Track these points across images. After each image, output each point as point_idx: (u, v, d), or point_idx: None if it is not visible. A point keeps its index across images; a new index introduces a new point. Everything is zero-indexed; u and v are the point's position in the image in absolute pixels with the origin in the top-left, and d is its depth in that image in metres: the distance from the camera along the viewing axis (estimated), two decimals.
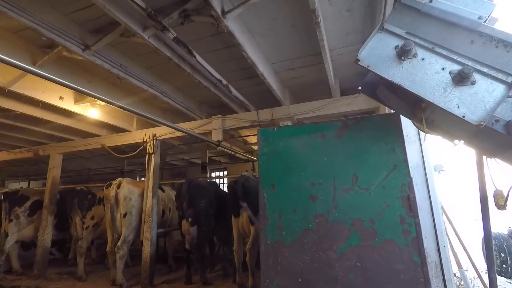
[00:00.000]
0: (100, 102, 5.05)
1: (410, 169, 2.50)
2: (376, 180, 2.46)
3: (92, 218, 6.16)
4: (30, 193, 6.84)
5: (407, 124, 2.59)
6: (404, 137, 2.58)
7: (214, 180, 8.88)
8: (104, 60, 3.93)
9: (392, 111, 2.78)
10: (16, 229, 6.25)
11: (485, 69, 1.82)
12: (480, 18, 1.88)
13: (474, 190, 2.32)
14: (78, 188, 6.91)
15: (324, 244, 2.46)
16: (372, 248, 2.34)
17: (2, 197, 6.77)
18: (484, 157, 2.12)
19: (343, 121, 2.70)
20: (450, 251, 4.00)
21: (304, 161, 2.71)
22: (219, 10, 2.87)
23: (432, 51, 1.99)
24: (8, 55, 2.34)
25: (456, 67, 1.88)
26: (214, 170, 12.24)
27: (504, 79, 1.75)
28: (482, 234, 2.47)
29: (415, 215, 2.31)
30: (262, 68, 4.15)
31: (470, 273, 5.24)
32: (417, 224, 2.29)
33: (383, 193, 2.42)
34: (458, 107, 1.79)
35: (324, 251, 2.45)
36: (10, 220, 6.23)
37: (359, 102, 4.82)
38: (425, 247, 2.36)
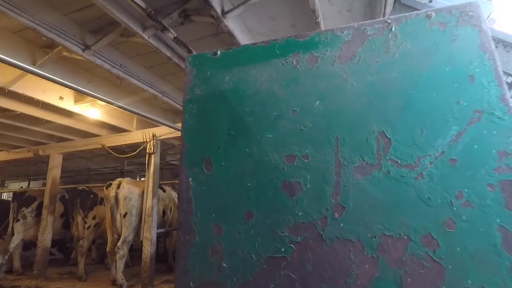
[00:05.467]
0: (100, 102, 5.05)
1: None
2: (435, 146, 1.05)
3: (94, 218, 6.17)
4: (37, 194, 6.89)
5: None
6: None
7: None
8: (104, 60, 3.92)
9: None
10: (22, 229, 6.33)
11: None
12: None
13: None
14: (80, 188, 6.91)
15: None
16: None
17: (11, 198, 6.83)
18: None
19: (354, 28, 1.24)
20: None
21: (272, 111, 1.26)
22: (219, 10, 2.87)
23: None
24: (8, 55, 2.35)
25: None
26: None
27: (504, 79, 1.75)
28: None
29: None
30: None
31: None
32: None
33: (454, 176, 1.02)
34: None
35: None
36: (17, 220, 6.30)
37: None
38: None
